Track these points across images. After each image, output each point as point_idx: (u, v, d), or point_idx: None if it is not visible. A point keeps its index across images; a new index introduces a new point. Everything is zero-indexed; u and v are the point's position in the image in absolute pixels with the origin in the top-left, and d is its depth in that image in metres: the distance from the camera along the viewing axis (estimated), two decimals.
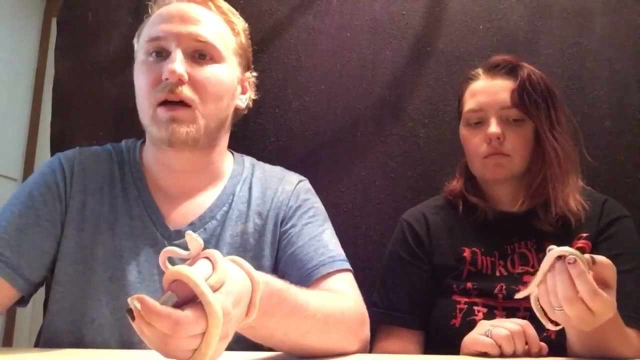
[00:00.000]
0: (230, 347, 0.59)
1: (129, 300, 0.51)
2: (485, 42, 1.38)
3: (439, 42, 1.39)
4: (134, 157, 0.96)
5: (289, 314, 0.68)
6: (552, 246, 0.75)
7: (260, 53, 1.41)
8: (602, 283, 0.73)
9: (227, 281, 0.56)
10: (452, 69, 1.37)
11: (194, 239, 0.58)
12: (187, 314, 0.51)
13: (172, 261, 0.58)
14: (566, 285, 0.71)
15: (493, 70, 1.08)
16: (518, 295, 0.81)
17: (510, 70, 1.06)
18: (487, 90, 1.06)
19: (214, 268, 0.56)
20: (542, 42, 1.37)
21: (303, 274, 0.89)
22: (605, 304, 0.72)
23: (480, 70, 1.11)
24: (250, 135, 1.38)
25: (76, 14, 1.44)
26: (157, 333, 0.50)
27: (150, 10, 0.96)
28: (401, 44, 1.40)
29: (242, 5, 1.41)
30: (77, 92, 1.41)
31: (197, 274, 0.53)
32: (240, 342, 0.69)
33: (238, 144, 1.34)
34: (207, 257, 0.57)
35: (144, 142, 0.99)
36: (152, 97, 0.88)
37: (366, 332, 0.88)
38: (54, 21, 2.40)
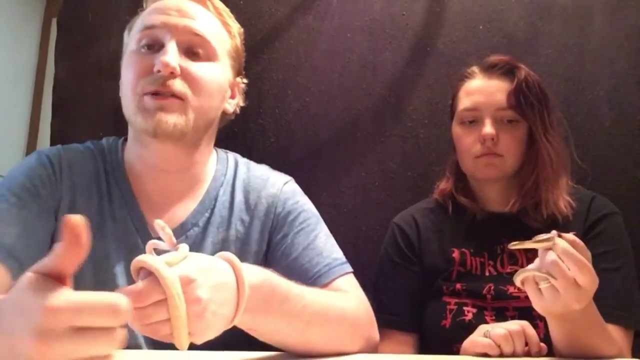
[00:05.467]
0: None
1: None
2: (485, 42, 1.38)
3: (439, 43, 1.39)
4: (116, 157, 0.92)
5: (286, 300, 0.69)
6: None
7: (260, 53, 1.41)
8: None
9: (187, 258, 0.59)
10: (452, 69, 1.37)
11: (162, 229, 0.62)
12: (140, 282, 0.55)
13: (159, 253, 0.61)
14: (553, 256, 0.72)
15: (490, 70, 1.08)
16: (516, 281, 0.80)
17: (507, 71, 1.06)
18: (484, 90, 1.06)
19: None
20: (542, 42, 1.37)
21: None
22: (590, 276, 0.71)
23: (476, 69, 1.10)
24: (250, 135, 1.38)
25: (76, 14, 1.44)
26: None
27: (144, 5, 0.93)
28: (401, 44, 1.40)
29: (242, 6, 1.41)
30: (77, 93, 1.41)
31: (150, 256, 0.57)
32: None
33: (238, 144, 1.34)
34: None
35: (125, 139, 0.95)
36: (139, 87, 0.83)
37: (372, 332, 0.85)
38: (54, 21, 2.40)
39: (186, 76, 0.84)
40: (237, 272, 0.63)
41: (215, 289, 0.59)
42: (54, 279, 0.45)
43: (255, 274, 0.66)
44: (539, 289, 0.74)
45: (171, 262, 0.57)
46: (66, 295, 0.43)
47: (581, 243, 0.73)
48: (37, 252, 0.81)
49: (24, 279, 0.46)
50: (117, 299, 0.45)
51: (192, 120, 0.84)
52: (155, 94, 0.82)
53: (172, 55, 0.82)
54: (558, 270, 0.71)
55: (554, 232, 0.73)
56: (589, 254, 0.74)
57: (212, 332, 0.59)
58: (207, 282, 0.58)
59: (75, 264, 0.45)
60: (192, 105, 0.84)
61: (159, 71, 0.82)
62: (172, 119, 0.82)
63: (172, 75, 0.82)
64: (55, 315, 0.42)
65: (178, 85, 0.83)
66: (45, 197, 0.84)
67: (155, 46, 0.86)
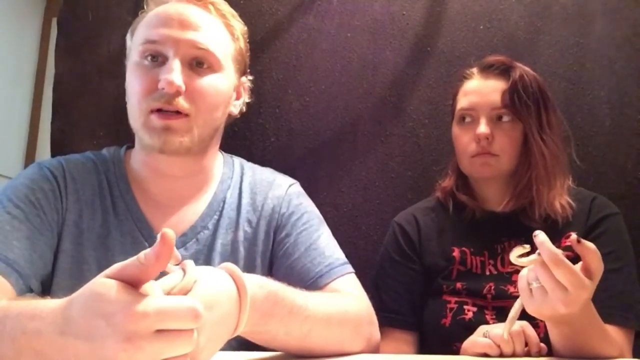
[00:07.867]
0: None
1: None
2: (485, 42, 1.38)
3: (439, 42, 1.39)
4: (119, 168, 0.92)
5: (288, 314, 0.68)
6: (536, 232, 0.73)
7: (260, 53, 1.41)
8: (587, 272, 0.72)
9: (194, 287, 0.54)
10: (452, 69, 1.37)
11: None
12: None
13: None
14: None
15: (487, 70, 1.09)
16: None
17: (504, 71, 1.07)
18: (480, 90, 1.07)
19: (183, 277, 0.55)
20: (542, 42, 1.37)
21: (303, 287, 0.85)
22: (572, 276, 0.70)
23: (474, 70, 1.12)
24: (250, 135, 1.38)
25: (76, 14, 1.44)
26: None
27: (145, 6, 0.92)
28: (401, 44, 1.40)
29: (242, 6, 1.41)
30: (77, 92, 1.41)
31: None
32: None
33: (238, 144, 1.34)
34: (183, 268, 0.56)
35: (128, 147, 0.96)
36: (145, 104, 0.84)
37: (373, 332, 0.85)
38: (54, 21, 2.40)
39: (191, 92, 0.84)
40: (240, 290, 0.60)
41: (216, 325, 0.56)
42: (130, 285, 0.47)
43: (260, 289, 0.64)
44: (531, 290, 0.74)
45: (177, 295, 0.52)
46: (151, 301, 0.46)
47: (598, 254, 0.72)
48: (39, 267, 0.80)
49: (97, 284, 0.47)
50: (195, 302, 0.47)
51: (196, 135, 0.86)
52: (160, 110, 0.83)
53: (176, 74, 0.83)
54: (544, 273, 0.71)
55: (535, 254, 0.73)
56: (601, 266, 0.73)
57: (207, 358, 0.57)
58: (208, 320, 0.54)
59: (157, 274, 0.48)
60: (197, 121, 0.85)
61: (163, 89, 0.82)
62: (178, 139, 0.84)
63: (177, 93, 0.83)
64: (143, 320, 0.44)
65: (183, 102, 0.84)
66: (48, 211, 0.84)
67: (158, 58, 0.86)
